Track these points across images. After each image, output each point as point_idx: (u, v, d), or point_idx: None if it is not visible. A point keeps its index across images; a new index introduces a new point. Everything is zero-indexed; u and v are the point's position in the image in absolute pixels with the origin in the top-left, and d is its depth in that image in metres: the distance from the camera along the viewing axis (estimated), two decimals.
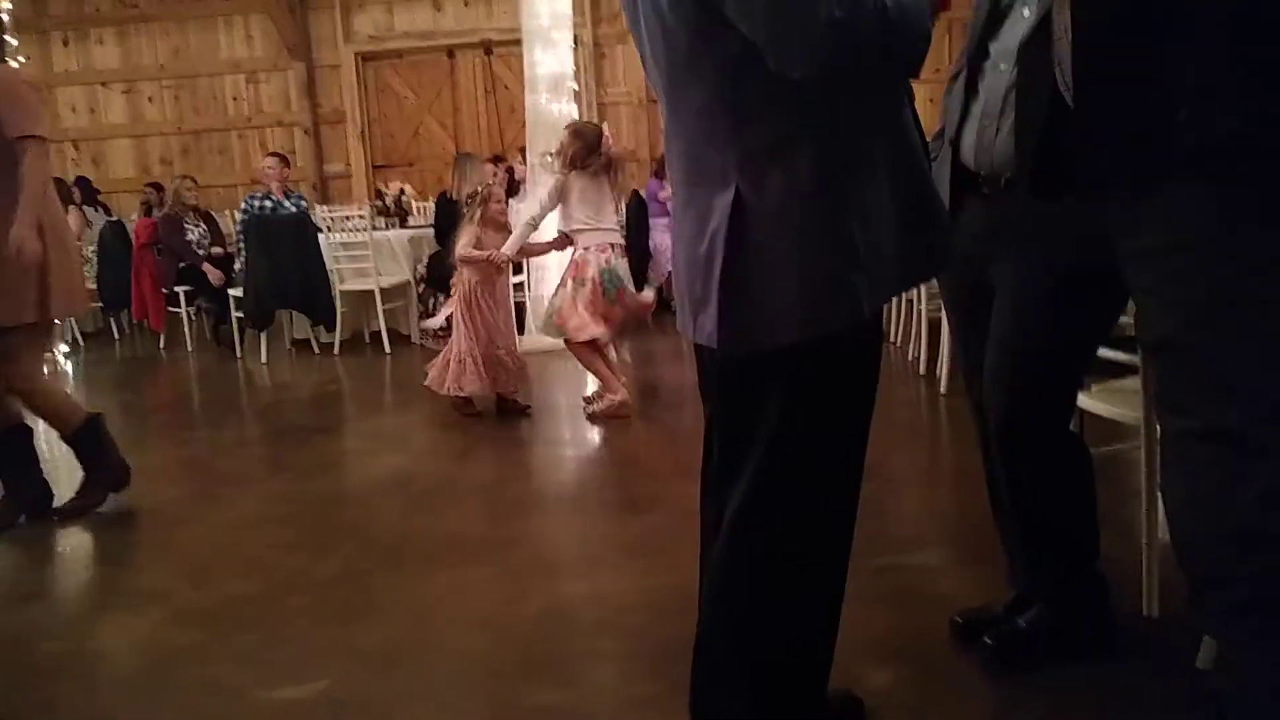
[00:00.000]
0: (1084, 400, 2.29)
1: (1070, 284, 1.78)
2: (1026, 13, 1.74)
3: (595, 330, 4.36)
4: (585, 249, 4.40)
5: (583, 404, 4.60)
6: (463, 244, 4.49)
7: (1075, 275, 1.76)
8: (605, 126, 4.62)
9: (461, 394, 4.50)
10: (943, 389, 4.42)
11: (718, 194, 1.43)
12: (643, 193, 7.71)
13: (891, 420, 3.98)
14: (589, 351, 4.46)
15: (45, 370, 3.47)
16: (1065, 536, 1.98)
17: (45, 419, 3.45)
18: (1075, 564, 1.98)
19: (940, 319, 4.52)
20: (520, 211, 6.39)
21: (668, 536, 2.94)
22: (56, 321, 3.41)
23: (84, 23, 9.95)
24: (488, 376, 4.45)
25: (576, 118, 6.36)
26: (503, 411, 4.61)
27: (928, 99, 5.89)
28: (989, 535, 2.16)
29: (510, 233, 4.54)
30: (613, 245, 4.45)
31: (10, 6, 6.40)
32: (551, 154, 4.63)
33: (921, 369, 4.77)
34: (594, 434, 4.34)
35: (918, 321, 4.90)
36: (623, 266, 4.49)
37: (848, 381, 1.53)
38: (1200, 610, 1.42)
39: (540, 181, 6.02)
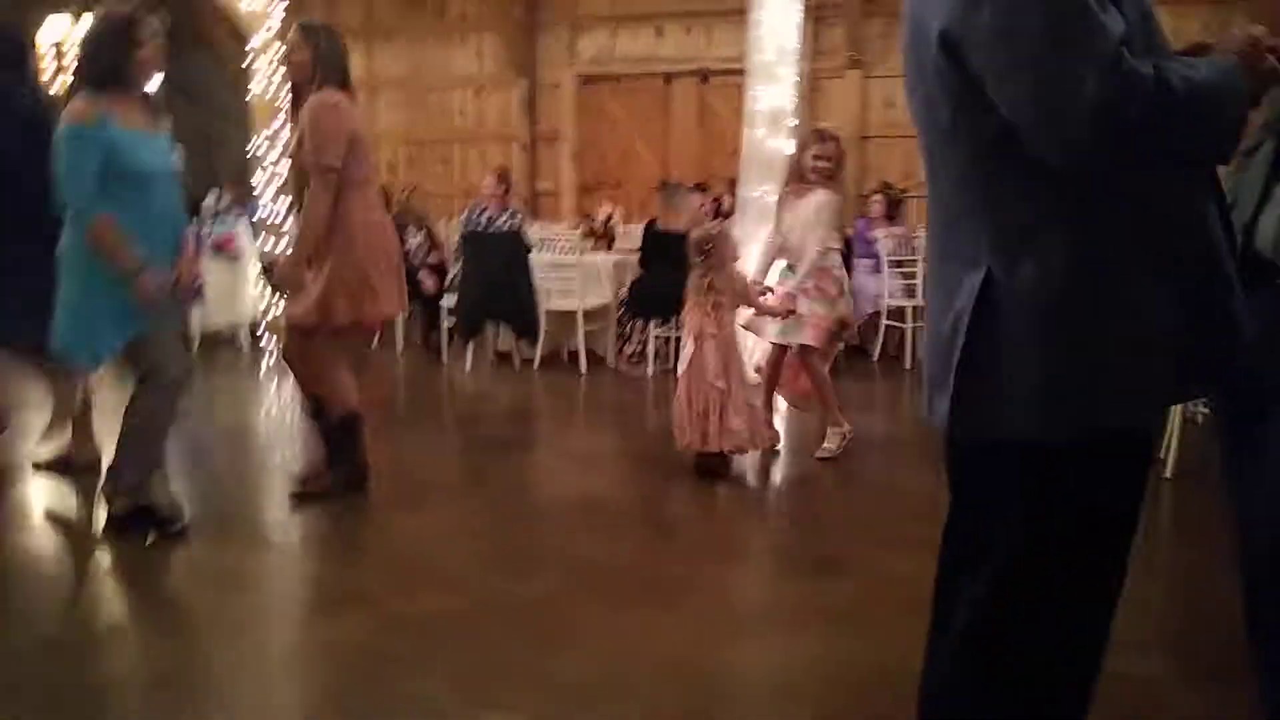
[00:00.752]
0: None
1: None
2: None
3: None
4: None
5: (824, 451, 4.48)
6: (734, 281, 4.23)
7: None
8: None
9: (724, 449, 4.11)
10: (1168, 472, 4.09)
11: (968, 272, 1.36)
12: (849, 230, 7.57)
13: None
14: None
15: (338, 362, 3.72)
16: None
17: (319, 399, 3.74)
18: None
19: None
20: None
21: (856, 604, 2.88)
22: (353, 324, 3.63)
23: None
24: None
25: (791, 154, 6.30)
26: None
27: None
28: (1223, 646, 1.96)
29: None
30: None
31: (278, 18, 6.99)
32: (820, 165, 4.47)
33: None
34: (790, 482, 4.28)
35: None
36: None
37: (1103, 494, 1.39)
38: None
39: (753, 213, 6.02)
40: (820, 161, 4.42)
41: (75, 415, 4.05)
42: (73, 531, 3.54)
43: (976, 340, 1.35)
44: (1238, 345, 1.42)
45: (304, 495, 3.73)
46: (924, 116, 1.43)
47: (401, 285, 3.79)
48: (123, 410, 3.28)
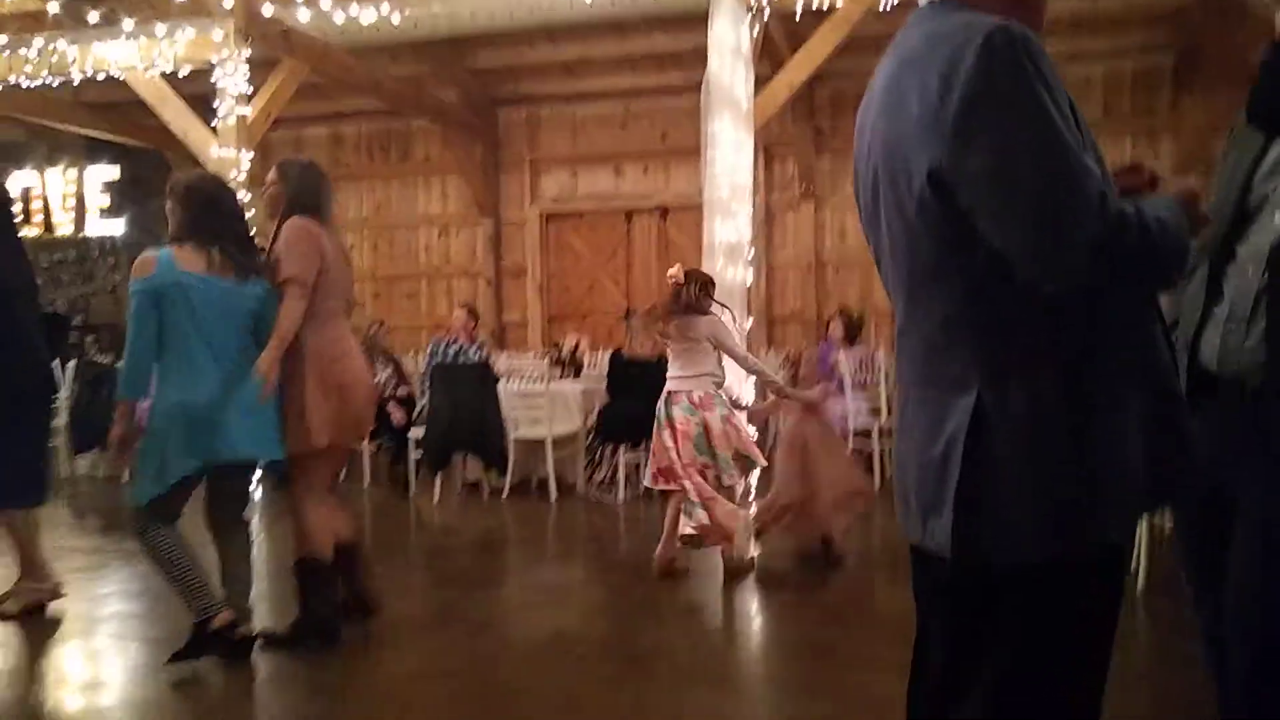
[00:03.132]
0: None
1: None
2: (1278, 218, 1.73)
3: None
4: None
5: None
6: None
7: None
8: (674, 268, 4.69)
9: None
10: (1139, 585, 4.12)
11: (957, 397, 1.40)
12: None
13: None
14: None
15: (318, 495, 3.73)
16: None
17: (294, 537, 3.71)
18: None
19: None
20: None
21: None
22: (324, 447, 3.63)
23: None
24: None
25: (749, 284, 6.51)
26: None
27: None
28: None
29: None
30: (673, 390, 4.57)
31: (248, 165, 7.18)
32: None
33: None
34: (761, 606, 4.25)
35: None
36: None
37: (1089, 607, 1.43)
38: None
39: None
40: None
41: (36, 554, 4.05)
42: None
43: (973, 463, 1.37)
44: (1195, 459, 1.48)
45: (268, 638, 3.59)
46: (901, 254, 1.46)
47: (369, 413, 3.89)
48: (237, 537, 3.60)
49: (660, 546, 4.56)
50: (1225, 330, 1.81)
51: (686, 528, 4.36)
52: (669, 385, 4.57)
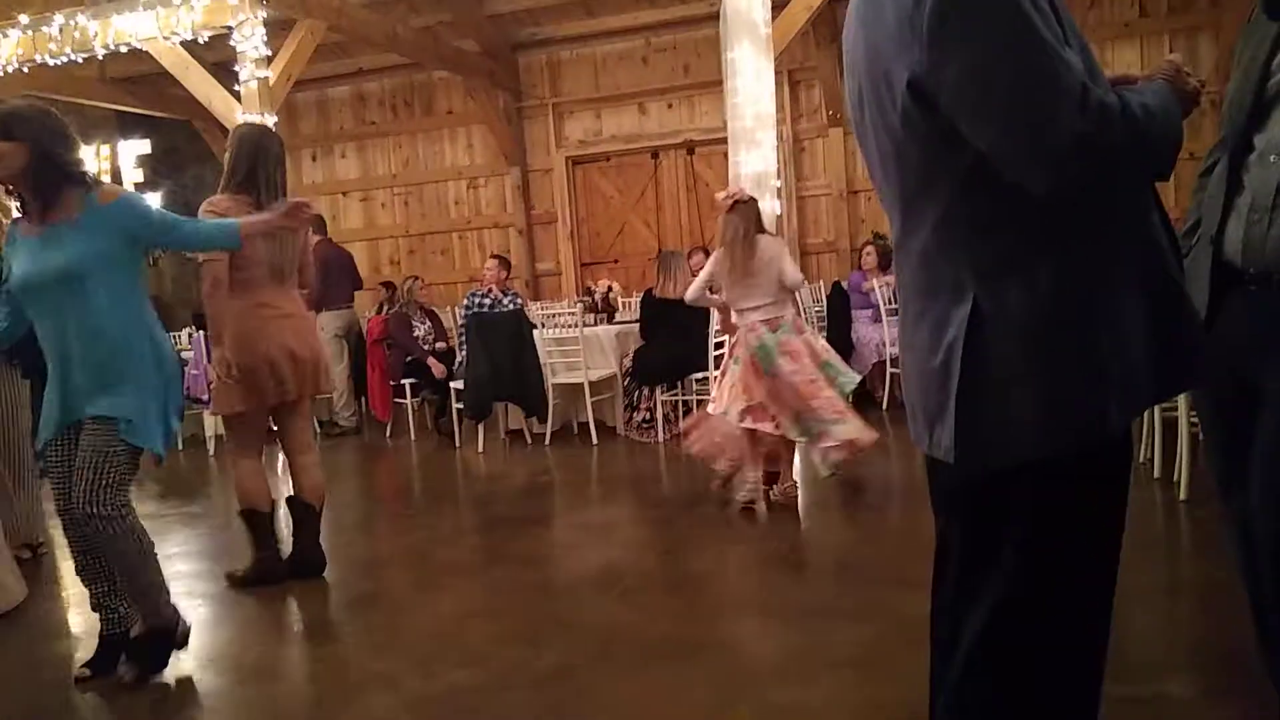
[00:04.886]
0: None
1: None
2: None
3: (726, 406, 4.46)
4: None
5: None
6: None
7: None
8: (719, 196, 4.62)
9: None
10: (1182, 495, 4.08)
11: (954, 305, 1.40)
12: (844, 284, 7.67)
13: (1126, 529, 3.72)
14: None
15: (251, 452, 3.92)
16: None
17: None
18: None
19: (1176, 418, 4.20)
20: None
21: (882, 649, 2.86)
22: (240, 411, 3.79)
23: (329, 139, 11.06)
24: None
25: (779, 213, 6.46)
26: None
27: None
28: (1244, 664, 1.97)
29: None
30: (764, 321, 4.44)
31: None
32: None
33: (1156, 472, 4.43)
34: (802, 532, 4.28)
35: (1151, 420, 4.57)
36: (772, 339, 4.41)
37: (1096, 501, 1.44)
38: None
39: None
40: None
41: None
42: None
43: (971, 369, 1.38)
44: (1199, 345, 1.48)
45: (229, 578, 3.90)
46: (892, 165, 1.47)
47: (294, 376, 3.81)
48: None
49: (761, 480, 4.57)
50: (1248, 222, 1.77)
51: (830, 452, 4.33)
52: (745, 319, 4.42)
